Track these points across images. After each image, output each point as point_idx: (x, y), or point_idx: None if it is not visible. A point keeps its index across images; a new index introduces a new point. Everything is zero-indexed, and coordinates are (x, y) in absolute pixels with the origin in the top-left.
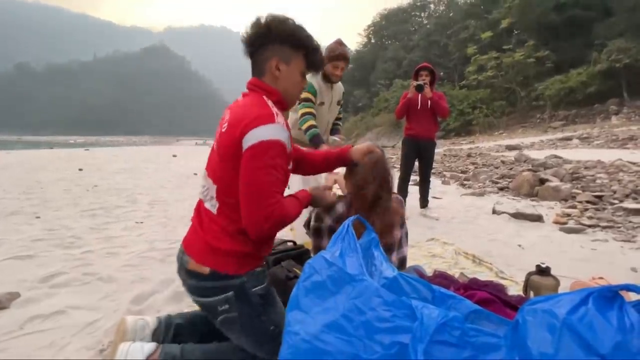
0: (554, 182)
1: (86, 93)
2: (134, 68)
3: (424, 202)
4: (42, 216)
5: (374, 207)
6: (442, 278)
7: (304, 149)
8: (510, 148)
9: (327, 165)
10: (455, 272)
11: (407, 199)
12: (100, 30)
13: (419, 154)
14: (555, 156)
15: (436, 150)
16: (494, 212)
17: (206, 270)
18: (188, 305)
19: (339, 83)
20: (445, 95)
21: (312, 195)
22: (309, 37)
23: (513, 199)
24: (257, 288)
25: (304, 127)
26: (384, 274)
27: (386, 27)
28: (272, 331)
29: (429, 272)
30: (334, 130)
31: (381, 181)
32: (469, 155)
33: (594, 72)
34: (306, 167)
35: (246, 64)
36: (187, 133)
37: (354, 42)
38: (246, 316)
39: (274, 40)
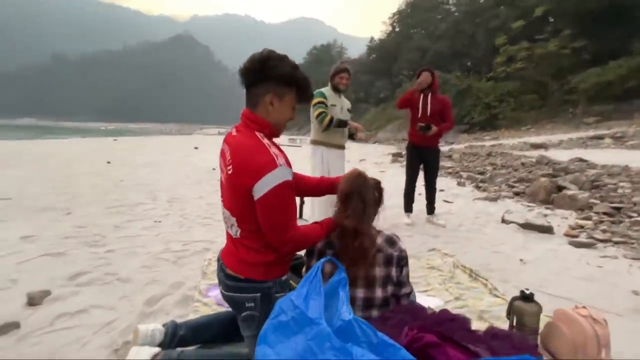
0: (572, 190)
1: (116, 81)
2: (161, 57)
3: (430, 209)
4: (72, 212)
5: (346, 236)
6: (407, 313)
7: (299, 173)
8: (535, 146)
9: (319, 190)
10: (450, 286)
11: (415, 205)
12: (129, 19)
13: (422, 161)
14: (580, 159)
15: (457, 147)
16: (503, 221)
17: (241, 276)
18: (193, 309)
19: (343, 97)
20: (451, 101)
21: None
22: (302, 75)
23: (527, 206)
24: (280, 294)
25: (325, 122)
26: (341, 316)
27: (412, 15)
28: None
29: (423, 286)
30: (350, 135)
31: (356, 211)
32: (489, 155)
33: (636, 64)
34: (301, 189)
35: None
36: (210, 121)
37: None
38: (265, 316)
39: (270, 77)
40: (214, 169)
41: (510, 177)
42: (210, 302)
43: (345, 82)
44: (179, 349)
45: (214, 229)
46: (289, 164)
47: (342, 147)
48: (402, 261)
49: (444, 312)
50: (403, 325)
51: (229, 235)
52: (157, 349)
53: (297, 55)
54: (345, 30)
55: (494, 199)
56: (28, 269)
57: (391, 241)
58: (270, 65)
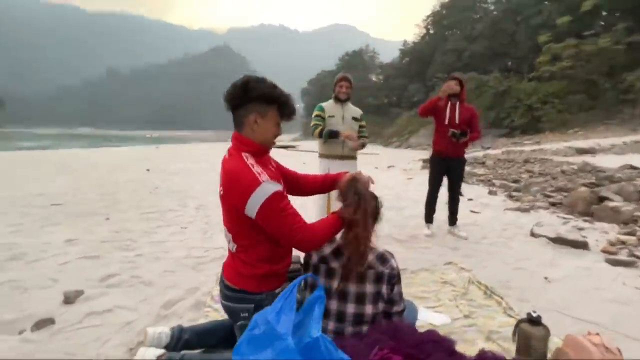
0: (615, 202)
1: (161, 92)
2: (201, 68)
3: (452, 220)
4: (111, 218)
5: (347, 232)
6: (385, 332)
7: (302, 174)
8: (581, 151)
9: (322, 186)
10: (461, 303)
11: (436, 216)
12: (173, 34)
13: (446, 171)
14: (632, 167)
15: (492, 152)
16: (532, 234)
17: (237, 287)
18: (204, 314)
19: (351, 104)
20: (476, 111)
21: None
22: (281, 93)
23: (563, 218)
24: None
25: (316, 134)
26: (310, 333)
27: (447, 16)
28: None
29: (433, 302)
30: (363, 145)
31: (356, 206)
32: (526, 161)
33: None
34: (304, 188)
35: (298, 61)
36: None
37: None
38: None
39: (251, 98)
40: None
41: (548, 185)
42: (220, 308)
43: (344, 90)
44: (182, 352)
45: None
46: (275, 177)
47: (346, 158)
48: (393, 279)
49: (430, 333)
50: (376, 344)
51: (228, 249)
52: (162, 351)
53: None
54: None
55: (527, 210)
56: (68, 270)
57: (383, 258)
58: (251, 87)
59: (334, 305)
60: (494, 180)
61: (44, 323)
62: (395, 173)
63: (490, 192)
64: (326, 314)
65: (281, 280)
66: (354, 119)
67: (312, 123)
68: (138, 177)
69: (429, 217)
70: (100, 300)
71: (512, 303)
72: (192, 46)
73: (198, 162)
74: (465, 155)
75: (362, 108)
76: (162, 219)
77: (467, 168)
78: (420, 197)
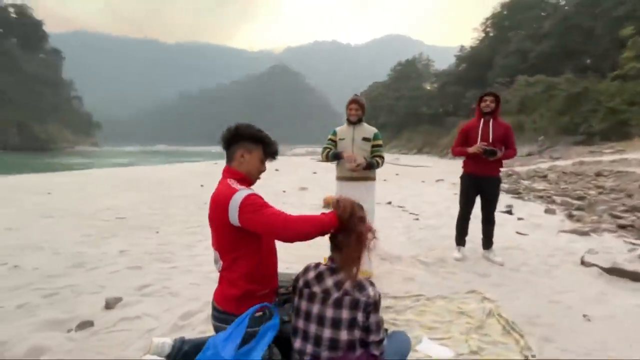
0: None
1: (225, 110)
2: (260, 87)
3: (486, 243)
4: (160, 231)
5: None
6: None
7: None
8: None
9: None
10: (472, 338)
11: (468, 238)
12: (235, 57)
13: (479, 191)
14: None
15: (561, 164)
16: (582, 262)
17: (220, 308)
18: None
19: (365, 124)
20: (512, 128)
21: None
22: (266, 135)
23: (631, 244)
24: (252, 329)
25: (323, 157)
26: (252, 356)
27: (509, 16)
28: None
29: (441, 333)
30: (370, 165)
31: (352, 212)
32: (598, 174)
33: None
34: None
35: (351, 74)
36: (301, 141)
37: (467, 39)
38: None
39: (241, 138)
40: (284, 191)
41: (619, 204)
42: None
43: (354, 113)
44: None
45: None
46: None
47: (359, 180)
48: (369, 307)
49: None
50: None
51: (219, 273)
52: (163, 359)
53: (382, 73)
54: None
55: (585, 233)
56: (115, 278)
57: (360, 286)
58: (241, 129)
59: (312, 328)
60: (554, 197)
61: (85, 325)
62: (442, 188)
63: (547, 211)
64: (305, 337)
65: (260, 299)
66: (365, 139)
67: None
68: (192, 192)
69: (459, 240)
70: (134, 307)
71: (533, 342)
72: (253, 67)
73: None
74: (516, 169)
75: (415, 118)
76: (202, 233)
77: (525, 182)
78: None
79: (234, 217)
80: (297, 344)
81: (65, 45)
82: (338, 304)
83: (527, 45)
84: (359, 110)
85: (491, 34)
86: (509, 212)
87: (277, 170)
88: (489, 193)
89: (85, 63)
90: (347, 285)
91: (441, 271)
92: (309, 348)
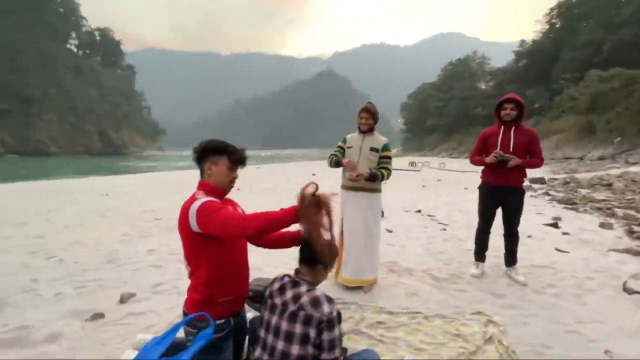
0: None
1: (274, 116)
2: (308, 92)
3: (509, 260)
4: None
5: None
6: None
7: None
8: None
9: (284, 243)
10: None
11: (488, 254)
12: (285, 64)
13: (499, 202)
14: None
15: (634, 170)
16: (625, 289)
17: (187, 312)
18: None
19: (377, 134)
20: (537, 134)
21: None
22: (227, 145)
23: None
24: (214, 335)
25: (328, 163)
26: None
27: (579, 4)
28: None
29: (427, 355)
30: (373, 176)
31: (308, 203)
32: None
33: None
34: (267, 242)
35: (400, 76)
36: None
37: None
38: (196, 348)
39: (207, 151)
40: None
41: None
42: None
43: (364, 122)
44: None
45: (277, 256)
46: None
47: (362, 190)
48: (321, 324)
49: None
50: None
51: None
52: None
53: (433, 74)
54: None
55: None
56: (136, 275)
57: (315, 301)
58: (205, 145)
59: (269, 339)
60: (615, 209)
61: (97, 316)
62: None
63: (603, 225)
64: (264, 347)
65: (221, 311)
66: (373, 149)
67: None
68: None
69: (478, 255)
70: (142, 303)
71: None
72: (301, 73)
73: (286, 182)
74: (577, 176)
75: (467, 120)
76: None
77: (583, 191)
78: (496, 229)
79: (193, 223)
80: (257, 352)
81: (137, 61)
82: (293, 318)
83: (600, 36)
84: (370, 119)
85: (557, 26)
86: (555, 225)
87: (314, 174)
88: (510, 205)
89: (153, 76)
90: (304, 299)
91: (452, 288)
92: (265, 357)
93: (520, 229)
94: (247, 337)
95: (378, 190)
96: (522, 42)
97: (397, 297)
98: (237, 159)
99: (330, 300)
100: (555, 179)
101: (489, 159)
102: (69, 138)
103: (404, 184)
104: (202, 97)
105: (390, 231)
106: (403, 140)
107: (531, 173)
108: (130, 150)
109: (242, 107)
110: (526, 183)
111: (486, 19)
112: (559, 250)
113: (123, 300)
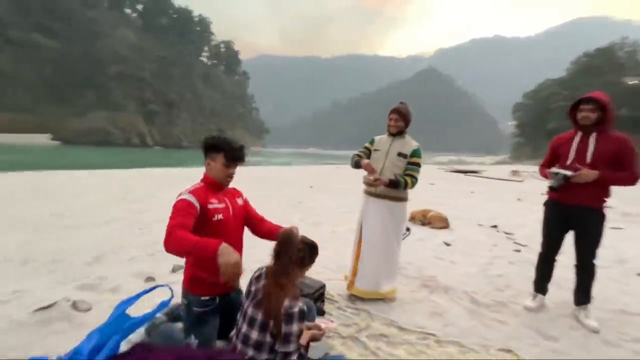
0: None
1: (369, 117)
2: (406, 93)
3: (579, 298)
4: None
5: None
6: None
7: (261, 218)
8: None
9: (268, 234)
10: None
11: (551, 286)
12: (383, 65)
13: (569, 225)
14: None
15: None
16: None
17: (183, 284)
18: None
19: (408, 138)
20: (632, 143)
21: (221, 247)
22: (225, 142)
23: None
24: (198, 309)
25: (350, 163)
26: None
27: None
28: (192, 336)
29: None
30: (394, 182)
31: (288, 254)
32: None
33: None
34: (256, 230)
35: (516, 72)
36: (446, 149)
37: None
38: (186, 318)
39: (205, 148)
40: None
41: None
42: None
43: (393, 124)
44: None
45: None
46: (196, 195)
47: (383, 198)
48: (286, 317)
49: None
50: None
51: None
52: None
53: (558, 68)
54: None
55: None
56: None
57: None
58: (205, 141)
59: (240, 322)
60: None
61: (149, 279)
62: (520, 210)
63: None
64: (236, 328)
65: (210, 291)
66: (400, 154)
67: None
68: (298, 192)
69: (538, 285)
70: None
71: None
72: (400, 73)
73: (352, 182)
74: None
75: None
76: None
77: None
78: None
79: None
80: (232, 332)
81: (250, 68)
82: (257, 306)
83: None
84: (400, 121)
85: None
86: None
87: None
88: (583, 230)
89: (262, 81)
90: (286, 303)
91: (490, 316)
92: (234, 338)
93: (629, 265)
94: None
95: (403, 199)
96: None
97: (418, 313)
98: (232, 157)
99: (294, 296)
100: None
101: (549, 172)
102: (197, 134)
103: (495, 195)
104: (300, 99)
105: (447, 244)
106: (513, 145)
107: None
108: None
109: (338, 108)
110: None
111: None
112: None
113: (174, 270)
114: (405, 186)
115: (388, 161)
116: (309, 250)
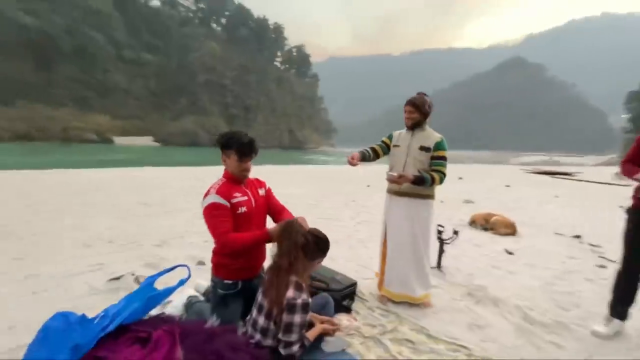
0: None
1: (441, 115)
2: (485, 86)
3: None
4: None
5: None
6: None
7: (282, 207)
8: None
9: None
10: None
11: (634, 310)
12: (458, 58)
13: None
14: None
15: None
16: None
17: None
18: None
19: (429, 131)
20: None
21: (269, 231)
22: (235, 141)
23: None
24: (223, 292)
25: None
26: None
27: None
28: (215, 315)
29: None
30: (419, 179)
31: (288, 242)
32: None
33: None
34: (275, 220)
35: (628, 55)
36: (533, 148)
37: None
38: (212, 299)
39: (221, 146)
40: (441, 201)
41: None
42: None
43: (406, 116)
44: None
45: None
46: (222, 194)
47: (405, 195)
48: (288, 306)
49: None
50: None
51: None
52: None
53: None
54: None
55: None
56: None
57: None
58: (219, 139)
59: (254, 307)
60: None
61: (200, 263)
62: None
63: None
64: (251, 312)
65: (233, 275)
66: (423, 148)
67: None
68: (356, 190)
69: (615, 307)
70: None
71: None
72: (479, 65)
73: None
74: None
75: None
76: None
77: None
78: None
79: (202, 211)
80: (249, 315)
81: (320, 69)
82: (264, 293)
83: None
84: (415, 112)
85: None
86: None
87: (460, 178)
88: None
89: (332, 82)
90: (289, 294)
91: (544, 337)
92: (249, 321)
93: None
94: None
95: (429, 197)
96: None
97: (454, 323)
98: (244, 152)
99: (299, 288)
100: None
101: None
102: (269, 135)
103: (587, 200)
104: (371, 98)
105: (510, 253)
106: (624, 142)
107: None
108: (309, 146)
109: None
110: None
111: None
112: None
113: (200, 262)
114: (432, 182)
115: (410, 157)
116: (315, 242)
